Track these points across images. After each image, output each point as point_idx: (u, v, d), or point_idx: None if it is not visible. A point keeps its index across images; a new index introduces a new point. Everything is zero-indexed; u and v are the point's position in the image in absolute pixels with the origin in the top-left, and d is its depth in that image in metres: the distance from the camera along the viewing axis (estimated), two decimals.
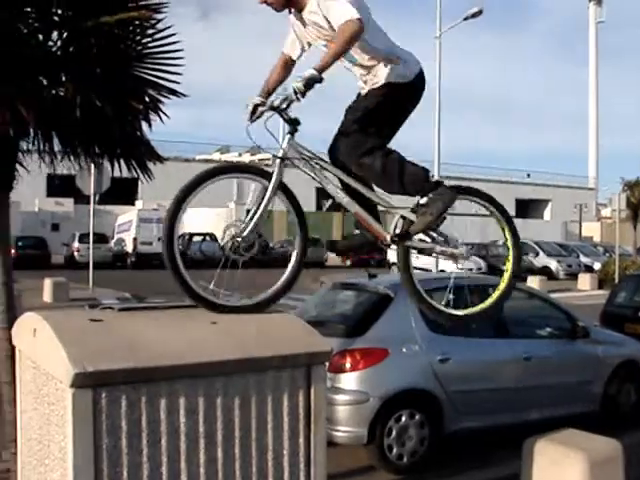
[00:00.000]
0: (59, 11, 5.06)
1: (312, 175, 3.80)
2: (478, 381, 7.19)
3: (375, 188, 4.06)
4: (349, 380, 6.58)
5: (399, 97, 3.93)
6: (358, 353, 6.65)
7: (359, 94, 4.08)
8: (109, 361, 2.79)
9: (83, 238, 33.02)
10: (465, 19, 25.97)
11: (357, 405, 6.54)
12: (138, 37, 5.24)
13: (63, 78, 4.74)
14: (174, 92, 5.18)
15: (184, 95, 5.27)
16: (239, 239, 3.57)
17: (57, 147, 5.28)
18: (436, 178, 4.10)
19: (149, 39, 5.25)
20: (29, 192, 39.06)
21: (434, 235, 4.09)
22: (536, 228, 56.60)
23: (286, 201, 3.76)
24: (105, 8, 4.74)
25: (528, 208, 70.39)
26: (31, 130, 5.04)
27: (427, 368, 6.87)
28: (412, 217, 3.94)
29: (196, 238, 36.11)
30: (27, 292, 15.74)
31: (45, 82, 4.99)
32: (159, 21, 5.12)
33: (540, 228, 58.55)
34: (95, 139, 5.23)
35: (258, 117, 3.77)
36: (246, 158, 41.07)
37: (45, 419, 3.07)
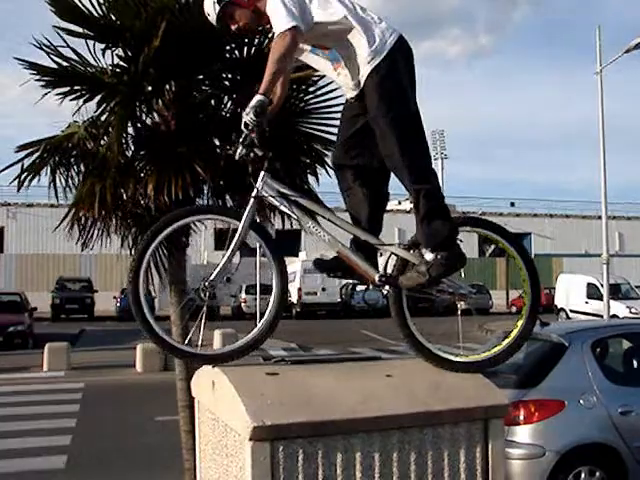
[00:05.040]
0: (229, 76, 5.37)
1: (289, 213, 3.48)
2: None
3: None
4: (523, 433, 6.31)
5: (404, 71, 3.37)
6: (532, 405, 6.37)
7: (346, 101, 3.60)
8: (286, 415, 2.82)
9: (250, 289, 33.99)
10: (627, 51, 24.77)
11: (532, 460, 6.25)
12: (302, 95, 5.45)
13: (234, 138, 4.96)
14: None
15: None
16: (206, 283, 3.32)
17: (228, 203, 5.52)
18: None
19: (311, 96, 5.43)
20: (198, 246, 40.82)
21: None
22: None
23: (260, 241, 3.44)
24: None
25: None
26: (205, 188, 5.32)
27: (607, 421, 6.46)
28: (405, 255, 3.41)
29: (359, 287, 36.26)
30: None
31: (218, 143, 5.27)
32: (321, 77, 5.28)
33: None
34: None
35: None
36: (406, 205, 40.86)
37: (223, 469, 3.14)
